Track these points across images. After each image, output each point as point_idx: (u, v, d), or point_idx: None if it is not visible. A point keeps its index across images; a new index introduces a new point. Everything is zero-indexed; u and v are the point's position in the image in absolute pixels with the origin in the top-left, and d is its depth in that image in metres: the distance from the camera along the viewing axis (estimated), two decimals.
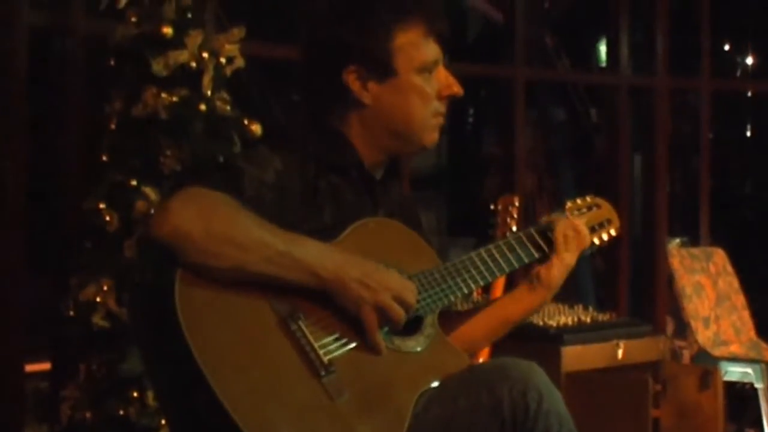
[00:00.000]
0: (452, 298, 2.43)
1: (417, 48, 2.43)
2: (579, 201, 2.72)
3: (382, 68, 2.41)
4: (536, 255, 2.55)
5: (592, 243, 2.63)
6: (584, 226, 2.61)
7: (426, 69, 2.45)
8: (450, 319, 2.54)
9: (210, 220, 2.16)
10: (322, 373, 2.17)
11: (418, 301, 2.33)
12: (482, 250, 2.50)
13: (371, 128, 2.45)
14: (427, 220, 2.69)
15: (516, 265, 2.53)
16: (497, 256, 2.50)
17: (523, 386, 2.21)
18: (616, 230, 2.71)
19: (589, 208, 2.70)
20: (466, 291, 2.45)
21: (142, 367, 3.40)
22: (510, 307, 2.60)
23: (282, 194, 2.31)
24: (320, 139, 2.45)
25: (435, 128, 2.49)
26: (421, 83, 2.44)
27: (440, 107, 2.48)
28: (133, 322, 2.53)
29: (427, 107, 2.46)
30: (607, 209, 2.73)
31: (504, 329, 2.61)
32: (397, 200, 2.59)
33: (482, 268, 2.48)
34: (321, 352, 2.18)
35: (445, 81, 2.48)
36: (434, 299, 2.40)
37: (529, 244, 2.55)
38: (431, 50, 2.45)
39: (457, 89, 2.49)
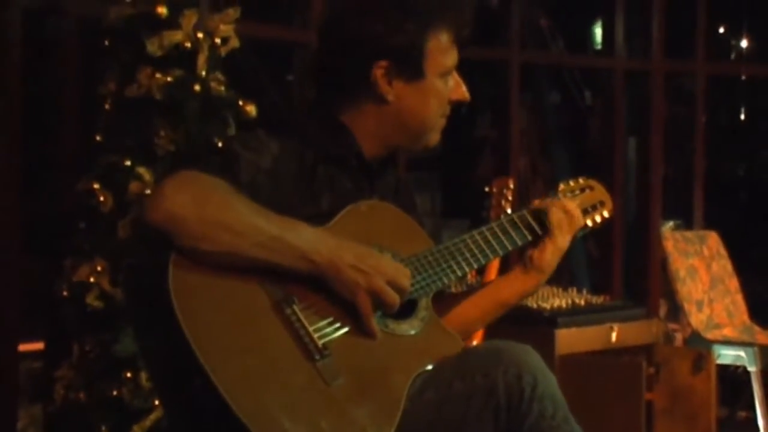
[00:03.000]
0: (446, 280, 2.43)
1: (444, 53, 2.46)
2: (572, 183, 2.71)
3: (413, 69, 2.42)
4: (529, 237, 2.55)
5: (585, 225, 2.63)
6: (577, 208, 2.61)
7: (447, 73, 2.47)
8: (444, 301, 2.53)
9: (204, 205, 2.16)
10: (317, 357, 2.17)
11: (412, 285, 2.32)
12: (476, 233, 2.50)
13: (384, 124, 2.45)
14: (421, 202, 2.69)
15: (509, 247, 2.53)
16: (490, 238, 2.50)
17: (517, 370, 2.21)
18: (609, 212, 2.71)
19: (582, 190, 2.70)
20: (460, 274, 2.45)
21: (135, 347, 3.40)
22: (504, 289, 2.60)
23: (278, 180, 2.30)
24: (320, 127, 2.45)
25: (439, 129, 2.52)
26: (442, 87, 2.47)
27: (447, 110, 2.51)
28: (127, 304, 2.53)
29: (440, 110, 2.49)
30: (600, 191, 2.73)
31: (498, 312, 2.61)
32: (392, 184, 2.59)
33: (476, 250, 2.47)
34: (316, 336, 2.18)
35: (456, 86, 2.51)
36: (428, 282, 2.39)
37: (522, 227, 2.55)
38: (454, 56, 2.48)
39: (466, 95, 2.52)
